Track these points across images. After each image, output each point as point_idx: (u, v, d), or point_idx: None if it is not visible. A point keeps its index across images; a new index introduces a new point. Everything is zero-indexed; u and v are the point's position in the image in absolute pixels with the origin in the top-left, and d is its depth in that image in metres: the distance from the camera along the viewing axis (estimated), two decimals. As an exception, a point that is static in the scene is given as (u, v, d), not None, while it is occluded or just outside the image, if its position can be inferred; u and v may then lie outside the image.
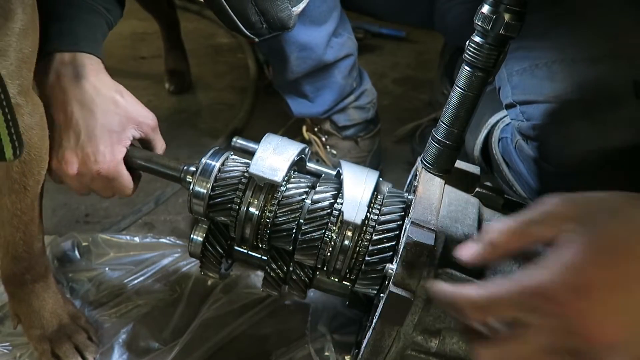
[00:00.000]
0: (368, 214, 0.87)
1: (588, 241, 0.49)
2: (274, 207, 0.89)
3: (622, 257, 0.48)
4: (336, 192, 0.90)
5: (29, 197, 0.93)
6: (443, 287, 0.60)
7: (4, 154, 0.71)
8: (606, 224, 0.49)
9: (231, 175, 0.91)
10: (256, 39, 1.14)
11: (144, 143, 1.05)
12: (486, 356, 0.56)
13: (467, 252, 0.58)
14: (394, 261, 0.81)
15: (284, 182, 0.91)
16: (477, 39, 0.69)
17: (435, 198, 0.82)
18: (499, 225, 0.56)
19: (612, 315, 0.48)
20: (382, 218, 0.87)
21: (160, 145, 1.06)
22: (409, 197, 0.90)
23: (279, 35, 1.16)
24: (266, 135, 0.93)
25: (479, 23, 0.68)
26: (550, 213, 0.52)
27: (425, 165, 0.87)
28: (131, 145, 1.00)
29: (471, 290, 0.55)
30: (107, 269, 1.23)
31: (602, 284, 0.47)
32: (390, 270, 0.76)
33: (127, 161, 0.99)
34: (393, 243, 0.85)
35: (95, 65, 0.99)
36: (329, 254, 0.88)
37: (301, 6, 1.10)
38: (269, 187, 0.90)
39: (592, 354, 0.49)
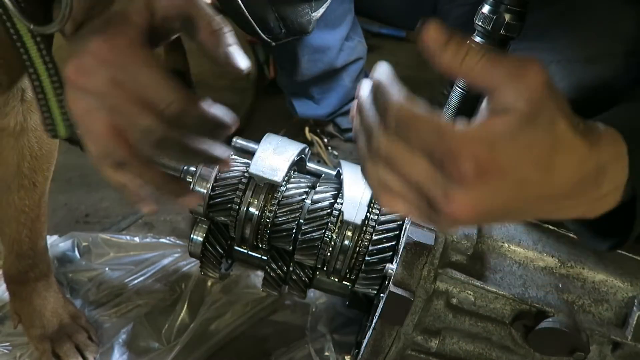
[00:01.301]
0: (368, 214, 0.87)
1: (515, 136, 0.50)
2: (274, 207, 0.89)
3: (516, 170, 0.50)
4: (336, 192, 0.90)
5: (37, 193, 0.94)
6: (389, 74, 0.57)
7: (58, 131, 0.72)
8: (541, 136, 0.51)
9: (231, 175, 0.91)
10: (273, 43, 1.14)
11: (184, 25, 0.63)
12: (364, 151, 0.56)
13: (437, 31, 0.52)
14: (394, 261, 0.81)
15: (284, 182, 0.91)
16: (478, 39, 0.69)
17: (435, 198, 0.82)
18: (481, 46, 0.53)
19: (480, 206, 0.51)
20: (382, 218, 0.87)
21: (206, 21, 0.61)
22: (409, 197, 0.90)
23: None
24: (266, 135, 0.93)
25: (480, 23, 0.68)
26: (524, 79, 0.51)
27: (426, 165, 0.86)
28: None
29: (406, 100, 0.53)
30: (107, 269, 1.23)
31: (495, 181, 0.50)
32: (390, 270, 0.76)
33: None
34: (393, 243, 0.85)
35: None
36: (329, 254, 0.88)
37: (321, 11, 1.10)
38: (269, 187, 0.90)
39: (440, 217, 0.52)
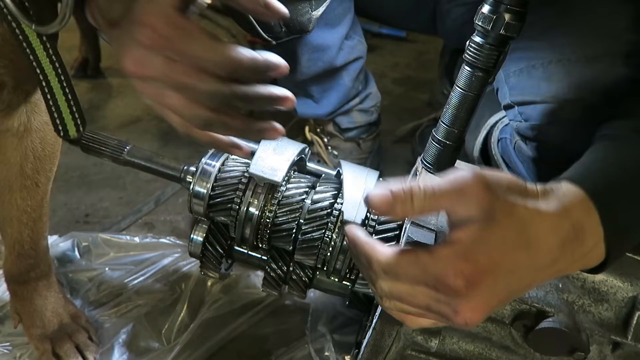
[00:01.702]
0: (368, 213, 0.87)
1: (484, 238, 0.57)
2: (274, 207, 0.89)
3: (501, 263, 0.57)
4: (336, 192, 0.90)
5: (39, 194, 0.95)
6: (359, 235, 0.66)
7: (68, 131, 0.73)
8: (506, 228, 0.57)
9: (231, 175, 0.91)
10: (273, 42, 1.14)
11: None
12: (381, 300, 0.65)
13: (380, 197, 0.59)
14: (394, 261, 0.81)
15: (284, 182, 0.91)
16: (478, 39, 0.69)
17: (435, 198, 0.82)
18: (421, 185, 0.59)
19: (487, 304, 0.57)
20: (382, 218, 0.87)
21: None
22: (409, 197, 0.90)
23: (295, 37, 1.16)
24: (266, 135, 0.93)
25: (479, 23, 0.67)
26: (466, 194, 0.58)
27: (425, 165, 0.87)
28: None
29: (381, 252, 0.62)
30: (107, 269, 1.23)
31: (486, 281, 0.56)
32: (390, 270, 0.76)
33: (129, 161, 0.99)
34: (393, 243, 0.85)
35: None
36: (329, 254, 0.88)
37: (321, 10, 1.10)
38: (269, 187, 0.90)
39: (454, 323, 0.59)
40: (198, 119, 0.65)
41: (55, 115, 0.72)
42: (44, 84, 0.69)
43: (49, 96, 0.70)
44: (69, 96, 0.71)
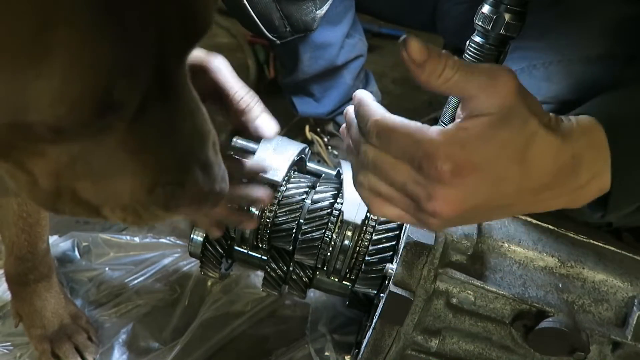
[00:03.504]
0: (368, 213, 0.87)
1: (489, 136, 0.54)
2: (274, 207, 0.89)
3: (493, 166, 0.55)
4: (336, 192, 0.90)
5: None
6: (366, 97, 0.62)
7: None
8: (513, 135, 0.55)
9: (231, 175, 0.91)
10: (278, 41, 1.14)
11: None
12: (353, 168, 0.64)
13: (419, 47, 0.54)
14: (394, 261, 0.81)
15: (284, 182, 0.91)
16: (478, 38, 0.69)
17: (435, 198, 0.82)
18: (457, 60, 0.55)
19: (462, 202, 0.55)
20: (383, 218, 0.87)
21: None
22: (409, 197, 0.90)
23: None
24: (266, 135, 0.93)
25: (479, 23, 0.67)
26: (496, 87, 0.55)
27: (426, 165, 0.86)
28: None
29: (384, 114, 0.59)
30: (107, 269, 1.23)
31: (472, 177, 0.54)
32: (390, 270, 0.76)
33: None
34: (393, 243, 0.85)
35: None
36: (329, 254, 0.88)
37: (325, 8, 1.10)
38: (269, 187, 0.90)
39: (427, 217, 0.57)
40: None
41: None
42: None
43: None
44: None
